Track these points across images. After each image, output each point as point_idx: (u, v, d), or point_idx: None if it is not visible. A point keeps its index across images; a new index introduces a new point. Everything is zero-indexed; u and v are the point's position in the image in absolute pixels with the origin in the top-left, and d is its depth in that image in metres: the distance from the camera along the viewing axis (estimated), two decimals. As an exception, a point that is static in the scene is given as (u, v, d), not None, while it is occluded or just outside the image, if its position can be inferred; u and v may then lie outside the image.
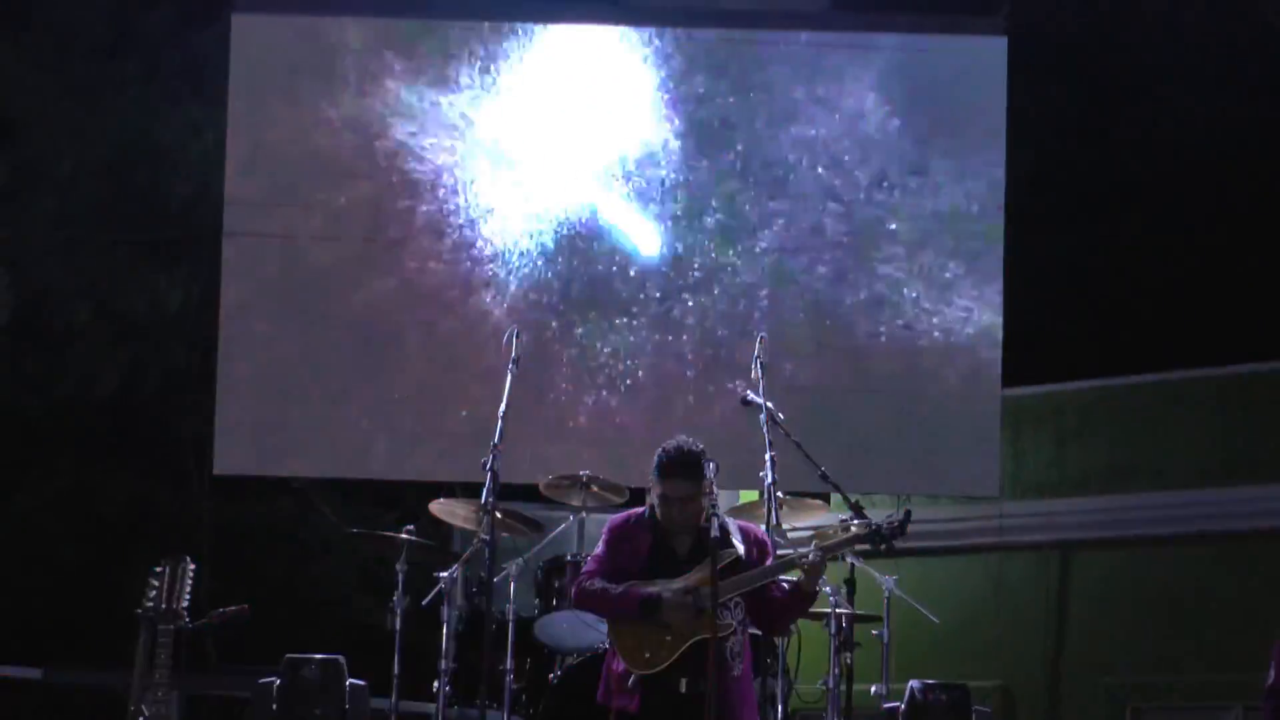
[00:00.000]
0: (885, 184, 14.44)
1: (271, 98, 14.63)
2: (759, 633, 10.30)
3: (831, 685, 12.03)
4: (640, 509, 9.86)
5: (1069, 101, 16.08)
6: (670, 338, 14.36)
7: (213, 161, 15.80)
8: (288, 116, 14.58)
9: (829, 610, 11.97)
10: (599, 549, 9.82)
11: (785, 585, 9.76)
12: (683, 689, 9.40)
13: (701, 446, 9.65)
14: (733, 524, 9.62)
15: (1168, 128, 15.42)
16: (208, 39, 16.92)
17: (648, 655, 9.43)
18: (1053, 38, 15.31)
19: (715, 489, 9.72)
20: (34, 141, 18.68)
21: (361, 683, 11.87)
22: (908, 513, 9.80)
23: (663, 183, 14.52)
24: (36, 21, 19.11)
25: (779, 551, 9.83)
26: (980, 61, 14.47)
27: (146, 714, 10.54)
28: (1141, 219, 18.39)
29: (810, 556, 9.58)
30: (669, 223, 14.50)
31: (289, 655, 12.00)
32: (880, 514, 9.95)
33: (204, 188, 17.14)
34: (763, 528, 10.20)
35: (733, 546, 9.44)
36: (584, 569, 9.86)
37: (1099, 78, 15.02)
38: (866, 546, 10.11)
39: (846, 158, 14.49)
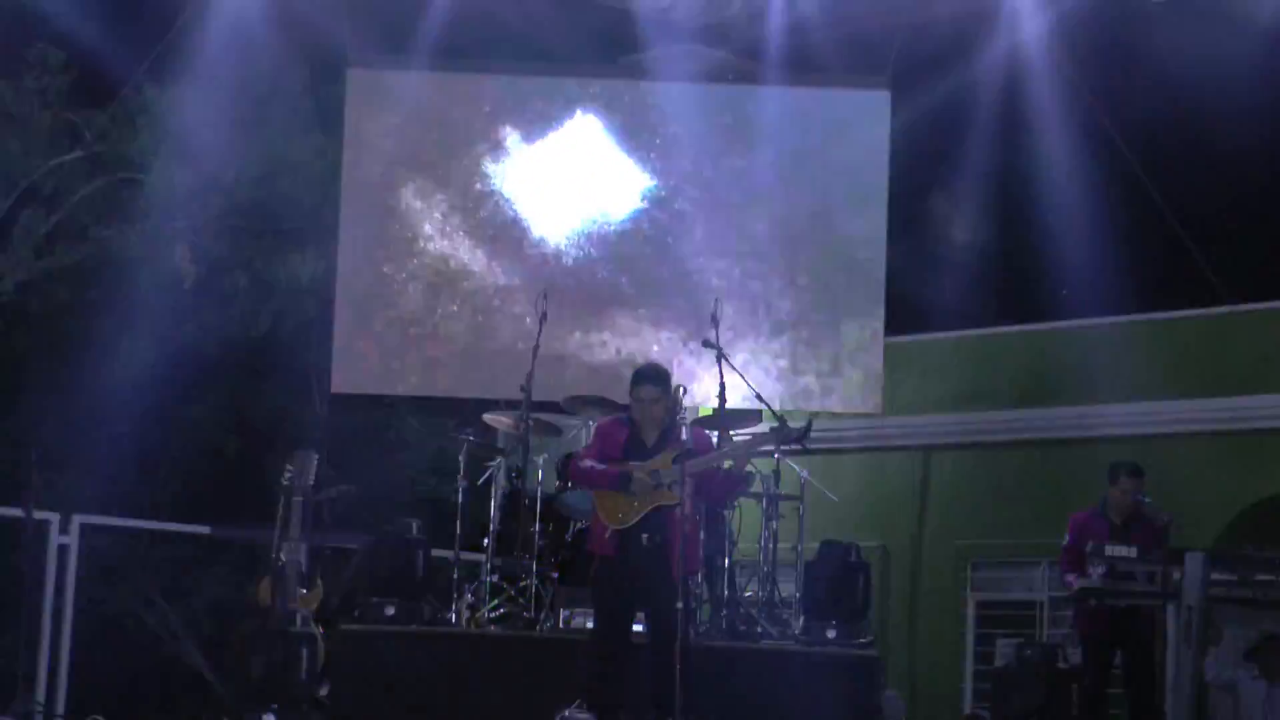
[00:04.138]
0: (805, 200, 14.28)
1: (378, 136, 14.32)
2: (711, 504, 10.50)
3: (763, 544, 12.11)
4: (622, 414, 9.94)
5: (942, 140, 15.92)
6: (653, 302, 14.18)
7: (332, 176, 15.64)
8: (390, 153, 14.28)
9: (761, 491, 12.08)
10: (590, 440, 9.94)
11: (725, 471, 9.88)
12: (644, 541, 9.45)
13: (666, 368, 9.82)
14: (686, 429, 9.65)
15: (1019, 162, 15.37)
16: (330, 88, 16.83)
17: (620, 515, 9.46)
18: (930, 91, 15.18)
19: (684, 406, 9.85)
20: (209, 159, 18.60)
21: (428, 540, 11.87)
22: (809, 422, 9.87)
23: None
24: (214, 76, 18.89)
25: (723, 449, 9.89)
26: (867, 109, 14.25)
27: (284, 559, 10.86)
28: (988, 227, 18.35)
29: (735, 449, 9.73)
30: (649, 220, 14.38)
31: (382, 521, 12.10)
32: (796, 423, 10.01)
33: (324, 194, 17.07)
34: (711, 433, 10.25)
35: (684, 442, 9.48)
36: (577, 453, 9.98)
37: (970, 121, 14.93)
38: (790, 446, 10.31)
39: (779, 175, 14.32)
